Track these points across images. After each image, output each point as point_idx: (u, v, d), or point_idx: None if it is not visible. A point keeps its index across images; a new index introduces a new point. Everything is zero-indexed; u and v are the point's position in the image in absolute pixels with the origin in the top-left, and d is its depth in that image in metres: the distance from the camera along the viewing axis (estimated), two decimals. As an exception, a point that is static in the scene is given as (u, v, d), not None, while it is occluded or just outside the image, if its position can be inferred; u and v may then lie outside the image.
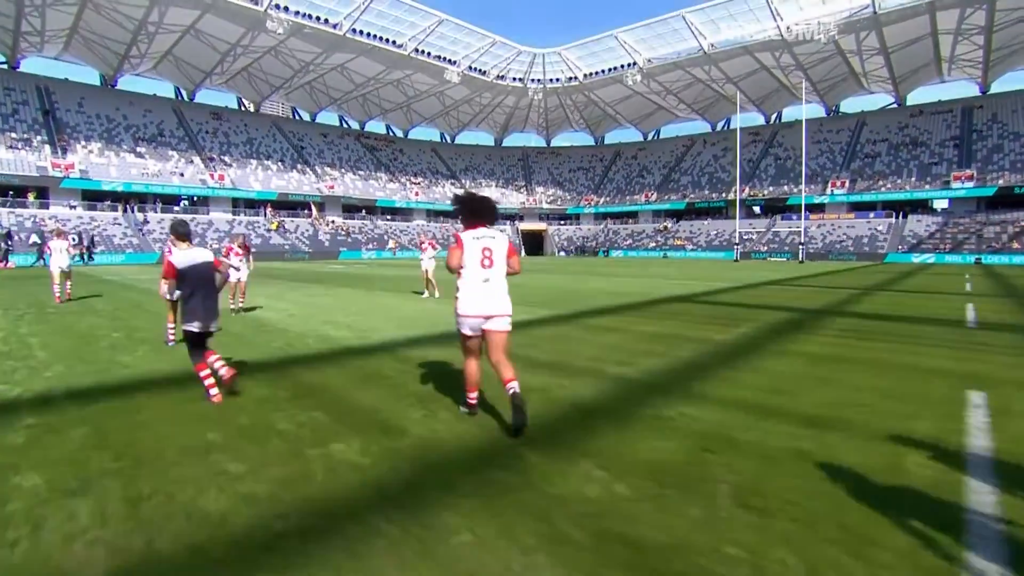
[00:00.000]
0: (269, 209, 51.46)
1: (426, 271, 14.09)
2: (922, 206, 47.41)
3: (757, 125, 69.08)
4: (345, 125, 71.98)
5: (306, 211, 50.91)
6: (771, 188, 57.45)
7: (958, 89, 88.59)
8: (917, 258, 39.96)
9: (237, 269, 11.37)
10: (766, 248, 49.59)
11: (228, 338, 7.85)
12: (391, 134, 77.42)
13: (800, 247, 40.08)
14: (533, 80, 69.16)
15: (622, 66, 62.17)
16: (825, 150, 58.15)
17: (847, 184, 51.39)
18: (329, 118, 70.66)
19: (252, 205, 51.85)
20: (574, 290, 15.94)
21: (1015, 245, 37.56)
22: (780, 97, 62.42)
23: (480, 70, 64.29)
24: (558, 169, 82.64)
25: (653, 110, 73.44)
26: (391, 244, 54.01)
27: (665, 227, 64.72)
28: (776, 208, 56.26)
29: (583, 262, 43.59)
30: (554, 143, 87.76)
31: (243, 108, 63.12)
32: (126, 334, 8.06)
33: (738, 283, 18.61)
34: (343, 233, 54.21)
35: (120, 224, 40.73)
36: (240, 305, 11.22)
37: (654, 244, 61.29)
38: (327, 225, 54.19)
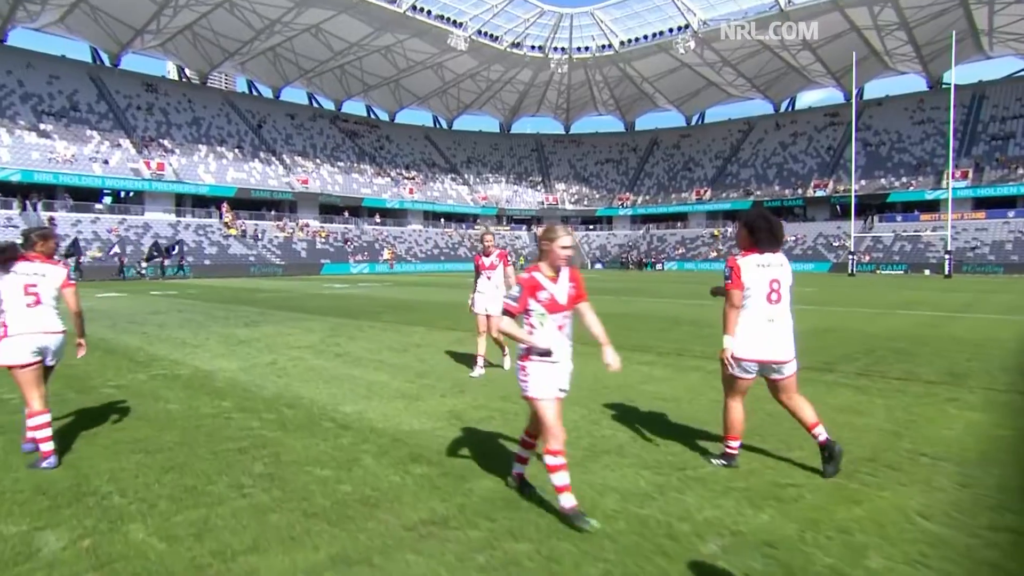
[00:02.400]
0: (226, 208, 46.35)
1: (487, 316, 7.15)
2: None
3: (835, 104, 65.14)
4: (316, 104, 67.45)
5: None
6: (863, 182, 53.10)
7: None
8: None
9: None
10: (867, 257, 45.06)
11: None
12: (373, 116, 72.96)
13: (947, 257, 35.46)
14: (556, 49, 65.04)
15: (671, 30, 58.16)
16: (932, 132, 53.99)
17: (970, 174, 47.05)
18: (295, 95, 66.20)
19: (203, 203, 46.74)
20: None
21: None
22: (868, 67, 58.33)
23: (492, 35, 60.10)
24: (581, 161, 78.36)
25: (701, 87, 69.48)
26: (386, 255, 49.13)
27: (716, 234, 60.20)
28: (872, 207, 51.83)
29: (643, 278, 38.93)
30: (573, 129, 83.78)
31: (185, 79, 58.36)
32: None
33: (939, 311, 13.79)
34: (324, 241, 49.17)
35: (17, 226, 35.35)
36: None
37: (715, 254, 56.63)
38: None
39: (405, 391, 6.03)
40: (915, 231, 46.86)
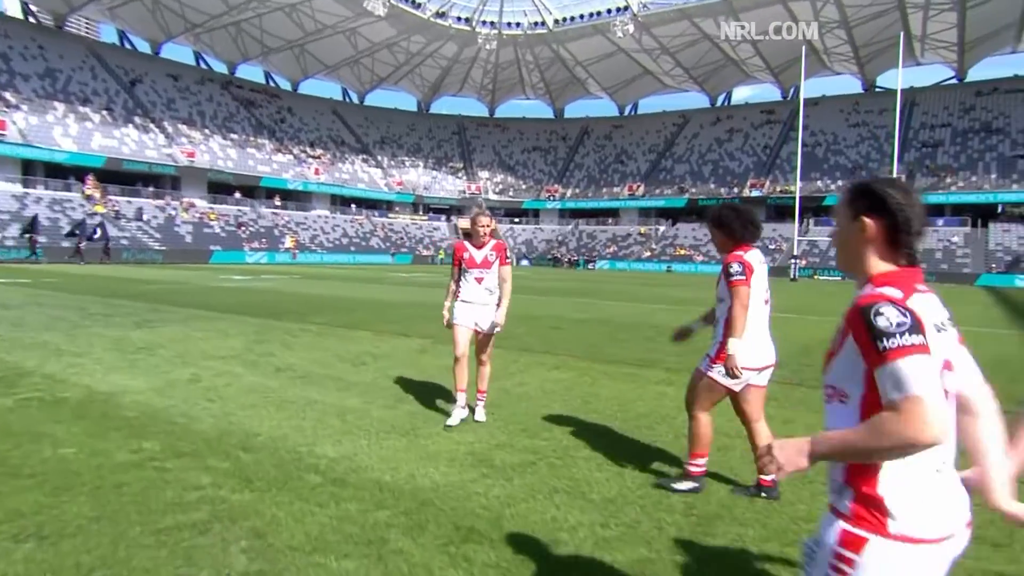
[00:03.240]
0: (91, 181, 41.78)
1: (475, 331, 5.30)
2: (991, 213, 47.26)
3: (772, 101, 68.44)
4: (204, 66, 62.89)
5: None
6: (800, 183, 55.94)
7: None
8: (1021, 280, 38.69)
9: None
10: (804, 262, 47.36)
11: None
12: (273, 85, 69.09)
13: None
14: (484, 23, 64.15)
15: (610, 11, 58.81)
16: (867, 136, 57.71)
17: (902, 180, 50.62)
18: (179, 53, 61.33)
19: (60, 172, 41.94)
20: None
21: None
22: (806, 65, 61.63)
23: (414, 1, 58.40)
24: (507, 148, 77.97)
25: (637, 75, 70.93)
26: (289, 243, 46.33)
27: (641, 232, 61.66)
28: (808, 209, 54.71)
29: (584, 277, 38.98)
30: (498, 113, 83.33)
31: (34, 21, 52.36)
32: None
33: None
34: (212, 224, 45.59)
35: None
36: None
37: (648, 253, 57.83)
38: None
39: (393, 423, 4.95)
40: (850, 236, 49.71)
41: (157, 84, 55.50)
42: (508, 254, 5.27)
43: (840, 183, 54.29)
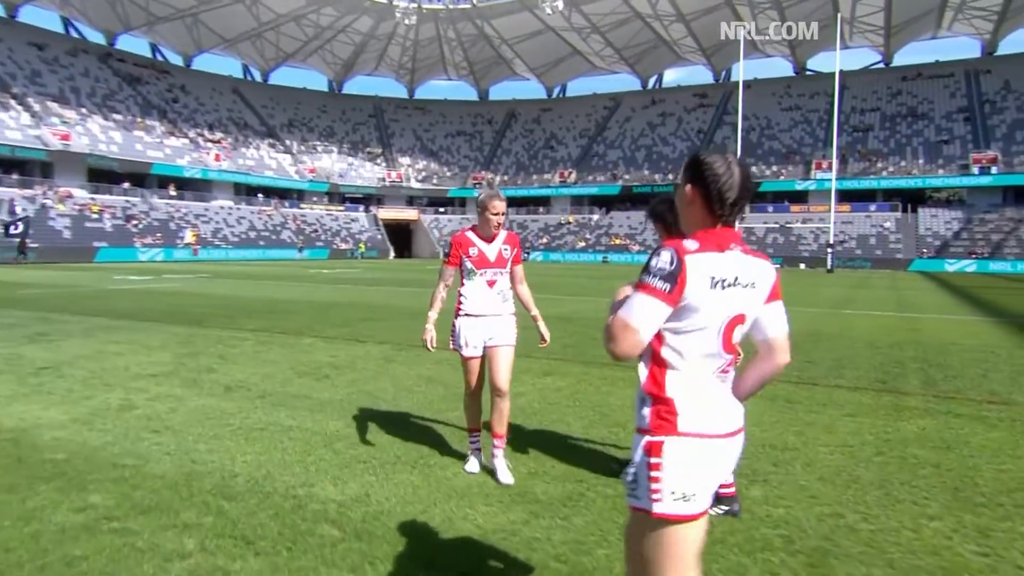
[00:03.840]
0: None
1: (494, 353, 4.29)
2: (919, 197, 50.38)
3: (704, 84, 70.49)
4: (76, 35, 58.54)
5: None
6: (734, 168, 57.92)
7: (957, 48, 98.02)
8: (952, 265, 41.39)
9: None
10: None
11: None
12: (161, 59, 65.22)
13: (829, 251, 39.41)
14: (403, -5, 63.01)
15: (537, -15, 58.89)
16: (800, 120, 60.32)
17: (835, 166, 53.13)
18: (42, 18, 57.21)
19: None
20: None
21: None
22: (735, 47, 63.74)
23: (323, -32, 56.52)
24: (429, 132, 76.93)
25: (566, 55, 71.53)
26: (189, 237, 43.80)
27: (568, 220, 62.43)
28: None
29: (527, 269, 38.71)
30: (418, 94, 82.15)
31: None
32: None
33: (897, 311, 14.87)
34: (95, 217, 42.37)
35: None
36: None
37: (583, 243, 58.40)
38: (61, 202, 41.91)
39: (396, 451, 4.36)
40: (786, 223, 51.96)
41: (16, 54, 51.12)
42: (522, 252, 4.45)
43: (775, 168, 56.58)
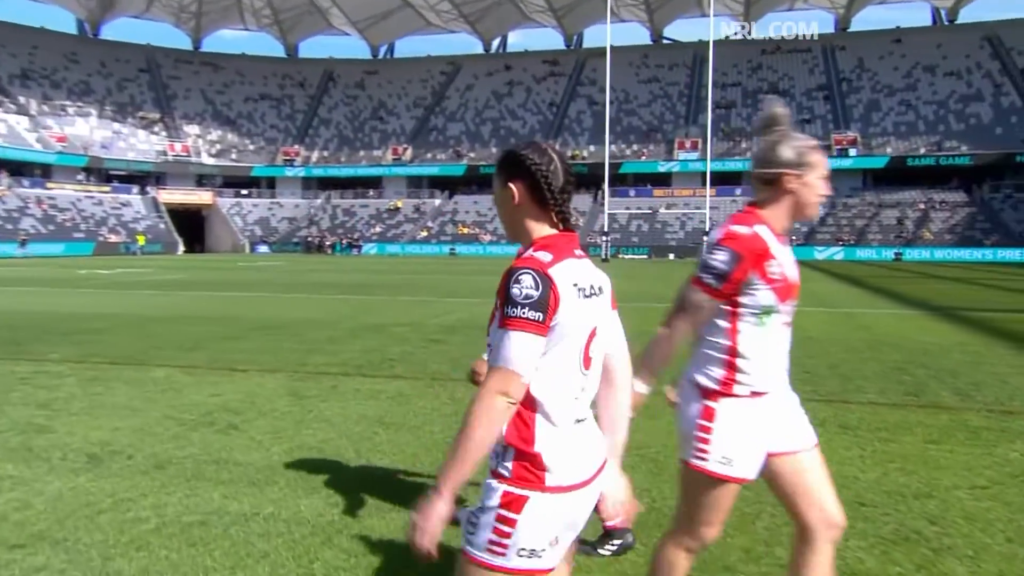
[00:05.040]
0: None
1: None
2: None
3: (555, 50, 72.38)
4: None
5: None
6: (591, 147, 59.90)
7: (814, 21, 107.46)
8: (821, 253, 45.39)
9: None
10: (598, 240, 50.81)
11: None
12: None
13: (704, 239, 41.56)
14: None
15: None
16: (659, 94, 63.59)
17: (699, 145, 56.56)
18: None
19: None
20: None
21: (927, 235, 45.79)
22: (590, 8, 65.88)
23: None
24: (223, 95, 72.27)
25: (393, 8, 70.57)
26: None
27: (396, 206, 61.85)
28: (600, 178, 58.87)
29: (358, 266, 37.74)
30: (205, 47, 77.10)
31: None
32: None
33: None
34: None
35: None
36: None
37: (425, 233, 57.55)
38: None
39: (391, 545, 3.40)
40: (650, 208, 54.50)
41: None
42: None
43: (635, 148, 59.18)
